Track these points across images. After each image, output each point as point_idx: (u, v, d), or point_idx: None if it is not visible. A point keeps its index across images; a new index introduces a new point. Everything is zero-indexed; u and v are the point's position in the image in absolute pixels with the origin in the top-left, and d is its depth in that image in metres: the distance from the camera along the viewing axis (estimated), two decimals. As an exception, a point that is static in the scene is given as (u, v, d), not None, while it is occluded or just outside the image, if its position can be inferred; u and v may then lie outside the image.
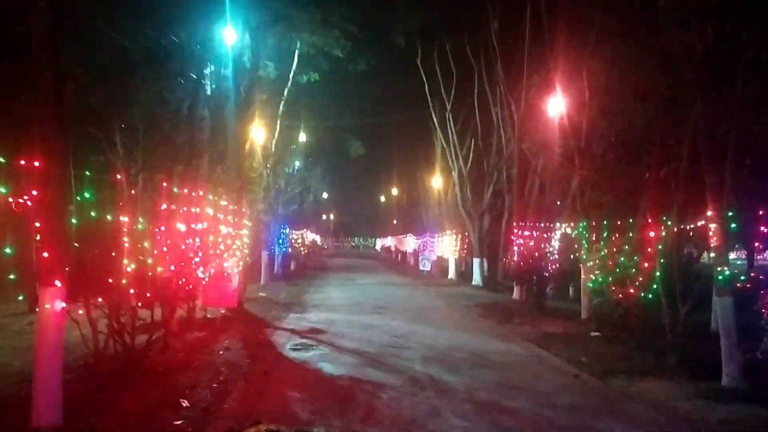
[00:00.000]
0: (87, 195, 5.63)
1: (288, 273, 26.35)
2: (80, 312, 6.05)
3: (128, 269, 6.55)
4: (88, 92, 6.41)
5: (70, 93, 5.67)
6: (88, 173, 5.72)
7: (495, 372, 8.57)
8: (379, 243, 69.42)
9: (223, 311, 12.41)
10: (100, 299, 6.22)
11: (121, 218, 6.37)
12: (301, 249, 34.78)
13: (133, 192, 6.60)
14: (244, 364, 8.56)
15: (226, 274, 12.36)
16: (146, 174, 7.41)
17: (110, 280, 6.23)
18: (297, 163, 27.46)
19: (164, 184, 7.61)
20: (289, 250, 27.90)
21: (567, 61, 14.02)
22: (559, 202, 18.12)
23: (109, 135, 6.85)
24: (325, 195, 48.37)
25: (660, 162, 10.45)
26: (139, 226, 6.83)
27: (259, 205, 19.23)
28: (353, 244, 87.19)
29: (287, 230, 26.76)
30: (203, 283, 10.16)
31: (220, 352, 9.17)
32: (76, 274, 5.62)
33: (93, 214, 5.82)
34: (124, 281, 6.49)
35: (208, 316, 11.82)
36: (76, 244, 5.58)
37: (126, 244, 6.51)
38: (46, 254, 5.02)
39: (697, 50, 8.41)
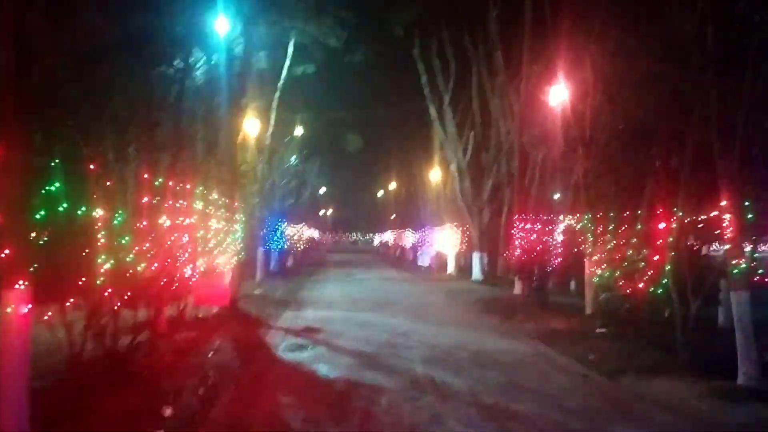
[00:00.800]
0: (56, 186, 5.15)
1: (285, 269, 25.95)
2: (49, 314, 5.59)
3: (104, 267, 6.07)
4: (60, 77, 5.93)
5: (37, 76, 5.17)
6: (57, 162, 5.22)
7: (500, 372, 8.16)
8: (378, 238, 68.97)
9: (215, 310, 11.99)
10: (72, 300, 5.74)
11: (95, 212, 5.88)
12: (299, 244, 34.35)
13: (108, 184, 6.10)
14: (234, 367, 8.15)
15: (217, 271, 11.94)
16: (125, 165, 6.91)
17: (83, 280, 5.75)
18: (293, 157, 26.98)
19: (146, 175, 7.15)
20: (286, 245, 27.47)
21: (569, 49, 13.55)
22: (557, 195, 17.74)
23: (84, 122, 6.37)
24: (323, 189, 47.95)
25: (668, 151, 10.02)
26: (117, 221, 6.34)
27: (253, 199, 18.79)
28: (352, 239, 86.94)
29: (284, 225, 26.32)
30: (192, 281, 9.68)
31: (210, 354, 8.74)
32: (47, 274, 5.16)
33: (64, 206, 5.32)
34: (100, 280, 6.01)
35: (200, 315, 11.39)
36: (41, 241, 5.09)
37: (102, 240, 6.03)
38: (6, 252, 4.55)
39: (708, 34, 7.98)
